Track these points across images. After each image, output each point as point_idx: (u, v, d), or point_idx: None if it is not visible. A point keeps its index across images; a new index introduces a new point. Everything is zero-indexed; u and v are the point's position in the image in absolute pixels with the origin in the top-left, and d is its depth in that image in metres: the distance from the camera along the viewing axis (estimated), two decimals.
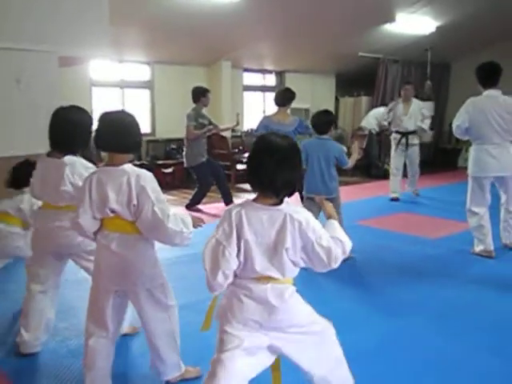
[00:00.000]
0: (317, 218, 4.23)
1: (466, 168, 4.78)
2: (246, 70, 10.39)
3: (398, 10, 8.34)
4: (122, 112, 2.40)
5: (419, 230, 5.58)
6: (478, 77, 4.51)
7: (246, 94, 10.42)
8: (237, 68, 9.93)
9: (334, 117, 4.67)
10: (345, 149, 4.65)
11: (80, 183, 2.55)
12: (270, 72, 10.90)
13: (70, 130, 2.75)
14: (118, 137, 2.27)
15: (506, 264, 4.39)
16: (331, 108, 11.21)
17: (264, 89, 10.91)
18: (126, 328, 2.93)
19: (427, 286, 3.87)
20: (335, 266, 1.87)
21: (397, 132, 7.25)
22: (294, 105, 5.64)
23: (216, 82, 9.58)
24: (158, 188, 2.27)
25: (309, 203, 4.14)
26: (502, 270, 4.24)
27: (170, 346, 2.42)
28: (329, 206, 2.15)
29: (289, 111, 5.68)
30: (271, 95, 9.57)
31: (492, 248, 4.53)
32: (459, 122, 4.53)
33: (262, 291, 1.83)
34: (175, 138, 8.78)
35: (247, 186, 7.09)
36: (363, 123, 8.82)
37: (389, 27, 8.85)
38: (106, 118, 2.30)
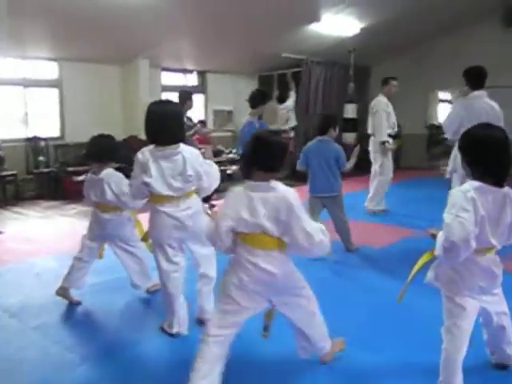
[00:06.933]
0: (319, 215, 4.55)
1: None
2: (165, 69, 9.79)
3: (323, 10, 8.12)
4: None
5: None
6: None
7: (166, 95, 9.78)
8: (155, 67, 9.31)
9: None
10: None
11: None
12: (191, 72, 10.37)
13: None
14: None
15: None
16: None
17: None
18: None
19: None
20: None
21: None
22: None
23: (132, 82, 8.93)
24: None
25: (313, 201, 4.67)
26: None
27: (319, 333, 2.66)
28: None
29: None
30: (194, 96, 9.11)
31: None
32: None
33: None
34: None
35: None
36: None
37: (314, 27, 8.63)
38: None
